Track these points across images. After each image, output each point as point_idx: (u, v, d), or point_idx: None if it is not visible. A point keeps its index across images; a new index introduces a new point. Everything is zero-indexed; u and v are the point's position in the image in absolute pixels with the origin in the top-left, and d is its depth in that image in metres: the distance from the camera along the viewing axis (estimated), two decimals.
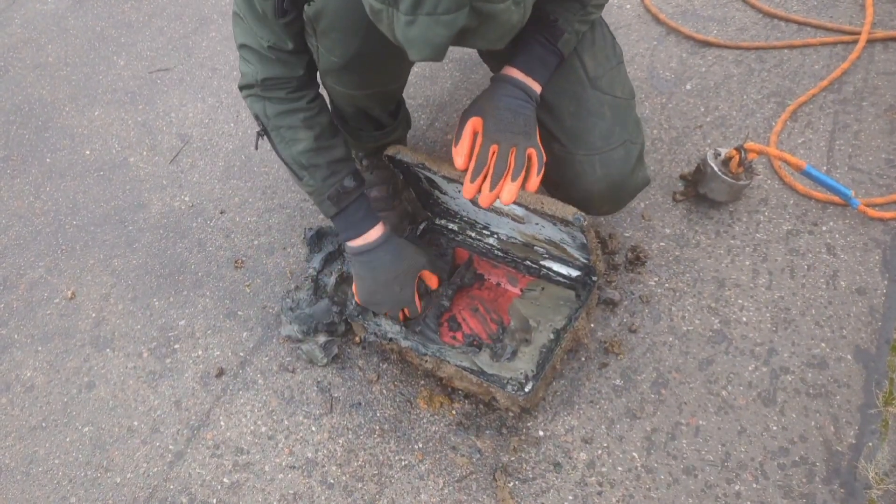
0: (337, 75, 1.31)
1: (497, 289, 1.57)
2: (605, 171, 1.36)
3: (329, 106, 1.55)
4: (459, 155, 1.25)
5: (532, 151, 1.24)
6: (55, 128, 2.13)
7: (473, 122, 1.25)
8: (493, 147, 1.22)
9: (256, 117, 1.36)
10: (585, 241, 1.33)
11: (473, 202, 1.44)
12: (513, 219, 1.42)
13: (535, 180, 1.24)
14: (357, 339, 1.56)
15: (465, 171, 1.24)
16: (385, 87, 1.41)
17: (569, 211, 1.25)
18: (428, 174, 1.45)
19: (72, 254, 1.82)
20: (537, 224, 1.39)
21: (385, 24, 0.98)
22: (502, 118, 1.24)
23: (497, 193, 1.22)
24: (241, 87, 1.36)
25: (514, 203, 1.26)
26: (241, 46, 1.31)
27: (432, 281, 1.50)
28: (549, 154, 1.34)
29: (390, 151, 1.42)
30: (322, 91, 1.42)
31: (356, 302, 1.48)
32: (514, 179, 1.21)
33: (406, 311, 1.47)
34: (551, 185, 1.43)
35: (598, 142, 1.35)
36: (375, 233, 1.42)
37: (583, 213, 1.24)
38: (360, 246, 1.42)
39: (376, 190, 1.64)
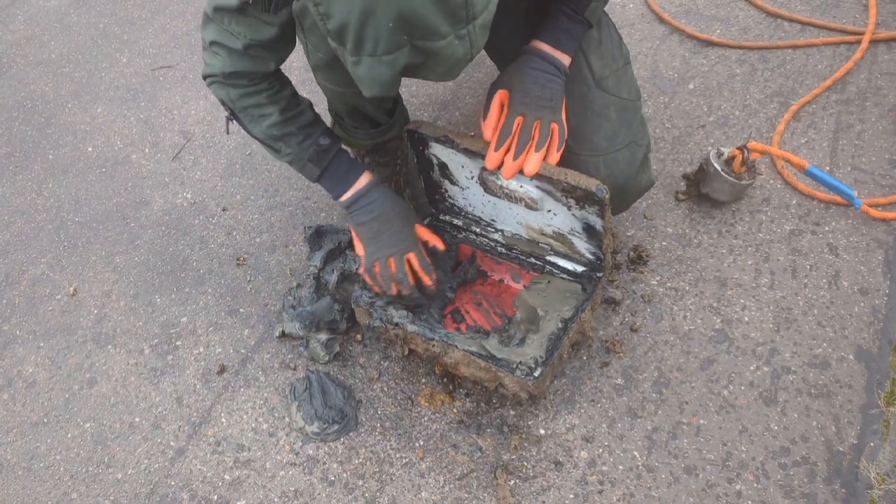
0: (325, 72, 1.32)
1: (500, 285, 1.57)
2: (609, 172, 1.36)
3: (328, 106, 1.55)
4: (488, 128, 1.25)
5: (555, 126, 1.24)
6: (57, 124, 2.14)
7: (500, 95, 1.26)
8: (518, 119, 1.23)
9: (223, 102, 1.38)
10: (602, 223, 1.32)
11: (488, 188, 1.44)
12: (526, 205, 1.41)
13: (555, 155, 1.24)
14: (358, 336, 1.56)
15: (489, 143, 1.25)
16: None
17: (592, 182, 1.25)
18: (443, 158, 1.45)
19: (74, 250, 1.82)
20: (549, 211, 1.39)
21: (343, 61, 1.03)
22: (528, 91, 1.24)
23: (520, 164, 1.22)
24: (205, 76, 1.37)
25: (535, 177, 1.26)
26: (213, 43, 1.31)
27: (436, 239, 1.45)
28: None
29: (411, 126, 1.43)
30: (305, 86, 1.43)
31: (361, 263, 1.44)
32: (537, 150, 1.22)
33: (414, 260, 1.41)
34: None
35: (602, 142, 1.35)
36: (364, 179, 1.43)
37: (605, 186, 1.25)
38: (353, 195, 1.42)
39: None
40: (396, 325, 1.42)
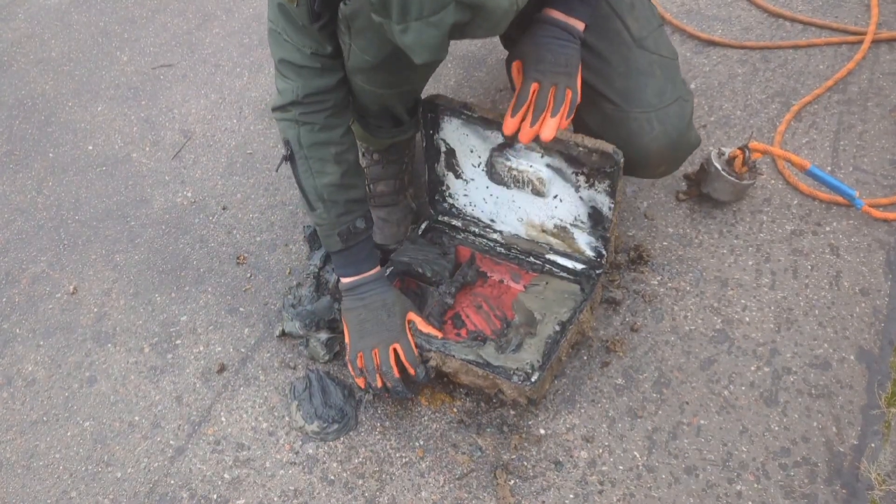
0: (367, 74, 1.32)
1: (500, 286, 1.56)
2: (663, 127, 1.35)
3: (351, 104, 1.56)
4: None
5: (569, 91, 1.24)
6: (58, 123, 2.13)
7: (517, 65, 1.27)
8: (534, 85, 1.24)
9: (287, 142, 1.36)
10: (611, 203, 1.33)
11: (496, 171, 1.44)
12: (533, 188, 1.41)
13: (564, 121, 1.25)
14: None
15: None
16: (413, 86, 1.44)
17: (608, 145, 1.27)
18: (452, 142, 1.45)
19: (74, 249, 1.82)
20: (556, 196, 1.38)
21: (388, 34, 1.02)
22: (543, 58, 1.25)
23: (537, 129, 1.23)
24: (277, 108, 1.35)
25: (551, 142, 1.27)
26: (280, 62, 1.31)
27: (434, 331, 1.42)
28: (601, 116, 1.35)
29: (429, 97, 1.43)
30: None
31: (346, 353, 1.43)
32: (553, 116, 1.23)
33: (400, 350, 1.38)
34: None
35: (652, 99, 1.35)
36: (373, 271, 1.45)
37: (621, 150, 1.26)
38: (356, 280, 1.43)
39: (383, 184, 1.64)
40: None
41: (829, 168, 1.70)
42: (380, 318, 1.40)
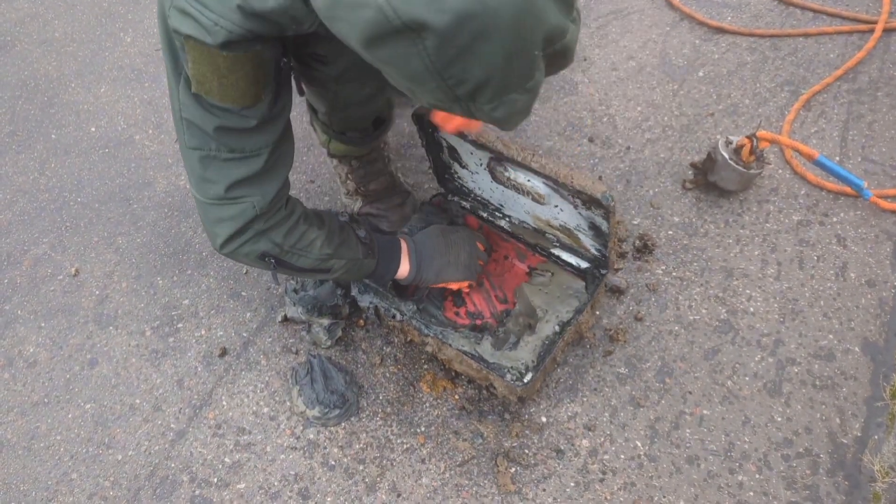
0: (358, 105, 1.35)
1: (504, 262, 1.55)
2: None
3: (316, 125, 1.56)
4: None
5: None
6: (61, 104, 2.12)
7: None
8: None
9: (264, 256, 1.23)
10: (607, 226, 1.31)
11: (497, 177, 1.42)
12: (533, 198, 1.39)
13: None
14: (360, 321, 1.55)
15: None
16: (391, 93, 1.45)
17: (598, 189, 1.23)
18: (452, 142, 1.44)
19: (76, 231, 1.81)
20: (556, 206, 1.37)
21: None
22: None
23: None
24: (230, 238, 1.20)
25: (541, 175, 1.25)
26: (233, 185, 1.15)
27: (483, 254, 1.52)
28: None
29: (420, 111, 1.40)
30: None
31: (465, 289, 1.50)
32: None
33: (480, 246, 1.50)
34: None
35: None
36: (402, 241, 1.42)
37: (611, 194, 1.23)
38: (412, 257, 1.41)
39: (374, 183, 1.63)
40: (393, 317, 1.42)
41: (837, 158, 1.68)
42: (459, 242, 1.46)
